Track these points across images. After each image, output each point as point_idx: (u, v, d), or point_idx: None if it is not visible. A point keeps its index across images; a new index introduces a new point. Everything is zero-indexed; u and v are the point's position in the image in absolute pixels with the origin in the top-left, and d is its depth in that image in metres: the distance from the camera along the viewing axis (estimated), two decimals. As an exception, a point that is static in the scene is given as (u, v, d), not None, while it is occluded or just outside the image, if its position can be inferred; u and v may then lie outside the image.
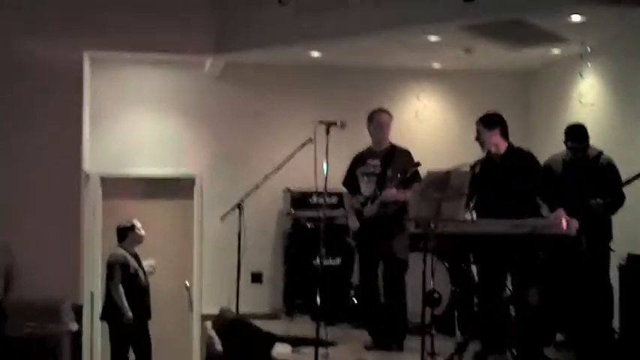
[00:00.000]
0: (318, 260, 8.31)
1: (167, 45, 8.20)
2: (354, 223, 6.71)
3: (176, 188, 9.20)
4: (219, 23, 8.24)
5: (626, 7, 6.70)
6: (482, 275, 6.31)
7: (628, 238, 6.74)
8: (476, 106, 8.50)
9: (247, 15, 8.08)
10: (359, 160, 6.82)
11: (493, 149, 6.10)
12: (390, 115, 6.81)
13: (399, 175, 6.35)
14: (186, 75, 9.03)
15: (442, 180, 4.90)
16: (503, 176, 5.94)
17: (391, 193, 6.38)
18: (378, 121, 6.74)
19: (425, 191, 5.01)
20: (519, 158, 6.09)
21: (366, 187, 6.66)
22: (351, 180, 6.84)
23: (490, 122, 6.16)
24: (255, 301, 8.48)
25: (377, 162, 6.66)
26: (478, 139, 6.22)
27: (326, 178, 5.26)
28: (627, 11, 6.82)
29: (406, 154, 6.64)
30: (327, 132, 5.25)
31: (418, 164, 6.32)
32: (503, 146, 6.11)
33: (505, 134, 6.16)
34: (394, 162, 6.56)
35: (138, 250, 8.08)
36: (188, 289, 8.99)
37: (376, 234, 6.54)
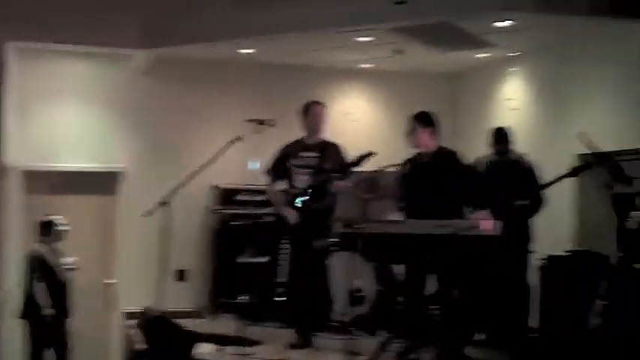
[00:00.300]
0: (244, 258, 8.34)
1: (94, 38, 8.02)
2: (292, 216, 6.55)
3: (101, 183, 9.01)
4: (148, 17, 8.09)
5: (553, 15, 6.83)
6: (407, 274, 6.35)
7: (549, 240, 6.89)
8: (405, 107, 8.55)
9: (178, 10, 7.97)
10: (290, 153, 6.70)
11: (423, 148, 6.11)
12: (325, 107, 6.77)
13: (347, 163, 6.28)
14: (114, 68, 8.88)
15: (371, 180, 4.90)
16: (432, 176, 5.96)
17: (342, 184, 6.25)
18: (314, 112, 6.67)
19: (353, 191, 5.00)
20: (448, 159, 6.12)
21: (301, 180, 6.56)
22: (278, 169, 6.71)
23: (425, 120, 6.16)
24: (180, 299, 8.39)
25: (312, 154, 6.59)
26: (409, 135, 6.20)
27: (258, 174, 5.19)
28: (554, 19, 6.97)
29: (338, 147, 6.60)
30: (257, 130, 5.19)
31: (370, 154, 6.24)
32: (433, 146, 6.12)
33: (437, 134, 6.18)
34: (329, 154, 6.52)
35: (60, 245, 7.90)
36: (110, 286, 8.85)
37: (310, 228, 6.47)
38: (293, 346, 6.51)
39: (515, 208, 6.41)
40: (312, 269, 6.60)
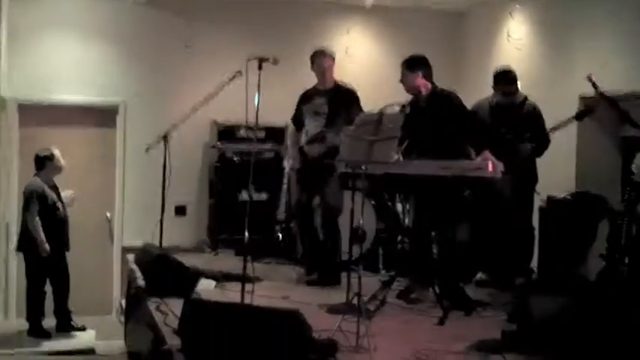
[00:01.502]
0: (244, 195, 8.33)
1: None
2: (295, 161, 6.83)
3: (99, 117, 8.92)
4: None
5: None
6: (411, 214, 6.37)
7: (548, 182, 6.87)
8: (406, 45, 8.51)
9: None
10: (305, 98, 6.85)
11: (416, 92, 6.05)
12: (332, 57, 6.82)
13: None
14: (112, 2, 8.71)
15: (375, 122, 4.84)
16: (429, 119, 5.91)
17: (338, 139, 6.29)
18: (318, 64, 6.78)
19: (357, 133, 4.94)
20: (444, 100, 6.07)
21: (312, 126, 6.69)
22: (297, 116, 6.90)
23: (413, 64, 6.09)
24: (179, 235, 8.43)
25: (323, 101, 6.70)
26: (402, 80, 6.18)
27: (257, 111, 5.13)
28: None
29: (351, 94, 6.65)
30: (260, 67, 5.11)
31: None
32: (425, 89, 6.06)
33: (429, 76, 6.10)
34: (339, 101, 6.51)
35: (57, 180, 7.86)
36: (109, 220, 8.85)
37: (314, 173, 6.63)
38: (307, 282, 6.60)
39: (521, 149, 6.37)
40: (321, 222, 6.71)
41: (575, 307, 4.43)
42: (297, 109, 6.94)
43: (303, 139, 6.79)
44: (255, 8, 8.96)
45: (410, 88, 6.08)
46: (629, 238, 5.44)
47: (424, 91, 6.02)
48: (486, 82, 6.86)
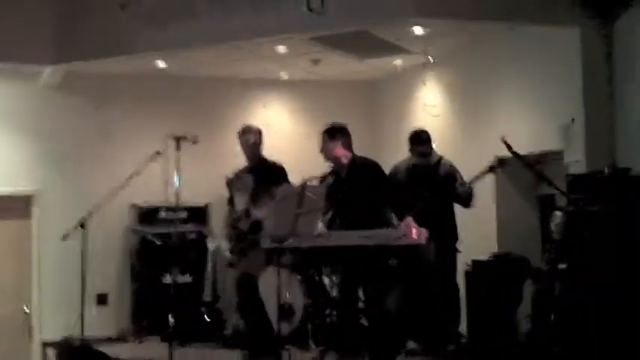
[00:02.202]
0: (167, 278, 8.14)
1: (1, 54, 7.69)
2: (225, 243, 6.83)
3: (12, 207, 8.65)
4: (57, 32, 7.79)
5: (465, 21, 6.90)
6: (339, 286, 6.32)
7: (470, 244, 6.93)
8: (325, 117, 8.54)
9: (89, 24, 7.72)
10: (236, 177, 6.86)
11: (337, 161, 6.08)
12: (257, 132, 6.84)
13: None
14: (22, 87, 8.53)
15: (297, 194, 4.82)
16: (350, 188, 5.92)
17: (261, 213, 6.32)
18: (243, 140, 6.79)
19: (280, 206, 4.91)
20: (364, 169, 6.10)
21: (240, 202, 6.68)
22: (231, 197, 6.87)
23: (333, 133, 6.12)
24: (101, 324, 8.12)
25: (249, 177, 6.69)
26: (322, 150, 6.20)
27: (177, 191, 5.06)
28: (467, 24, 7.06)
29: (278, 169, 6.63)
30: (178, 147, 5.06)
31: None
32: (345, 158, 6.08)
33: (349, 145, 6.14)
34: (265, 177, 6.47)
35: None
36: (27, 314, 8.52)
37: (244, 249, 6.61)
38: None
39: (440, 209, 6.47)
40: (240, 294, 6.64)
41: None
42: (229, 190, 6.92)
43: (232, 216, 6.76)
44: (170, 89, 8.90)
45: (330, 158, 6.08)
46: (553, 296, 5.50)
47: (344, 160, 6.03)
48: (402, 149, 6.93)
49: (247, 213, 6.55)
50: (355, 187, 5.92)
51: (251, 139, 6.77)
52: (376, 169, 6.12)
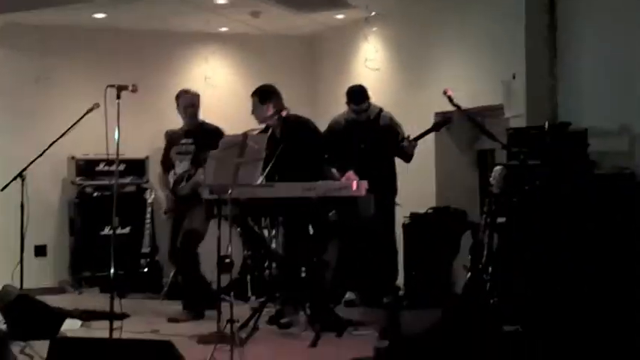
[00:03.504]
0: (106, 230, 8.11)
1: None
2: (166, 204, 7.03)
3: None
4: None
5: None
6: (278, 238, 6.40)
7: (409, 198, 7.04)
8: (265, 71, 8.61)
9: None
10: (172, 140, 6.92)
11: (268, 122, 6.14)
12: (195, 95, 6.88)
13: None
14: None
15: (239, 144, 4.83)
16: (285, 147, 5.95)
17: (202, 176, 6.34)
18: (182, 104, 6.82)
19: (221, 156, 4.92)
20: (297, 126, 6.17)
21: (180, 167, 6.71)
22: (166, 159, 6.91)
23: (264, 96, 6.23)
24: (40, 275, 8.13)
25: (190, 141, 6.72)
26: (254, 113, 6.27)
27: (117, 144, 5.02)
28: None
29: (217, 132, 6.61)
30: (118, 96, 5.01)
31: None
32: (276, 118, 6.14)
33: (280, 105, 6.20)
34: (205, 140, 6.44)
35: None
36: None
37: (183, 209, 6.67)
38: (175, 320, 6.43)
39: (380, 164, 6.54)
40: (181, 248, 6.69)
41: (443, 320, 4.54)
42: (164, 152, 6.96)
43: (172, 181, 6.78)
44: (109, 40, 8.77)
45: (262, 120, 6.17)
46: (490, 249, 5.63)
47: (276, 121, 6.10)
48: (341, 103, 6.97)
49: (188, 177, 6.57)
50: (290, 145, 5.96)
51: (188, 101, 6.80)
52: (308, 125, 6.21)
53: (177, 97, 6.88)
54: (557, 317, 4.99)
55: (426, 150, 7.17)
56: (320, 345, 5.28)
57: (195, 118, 6.84)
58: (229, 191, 4.80)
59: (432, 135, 6.90)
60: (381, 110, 6.88)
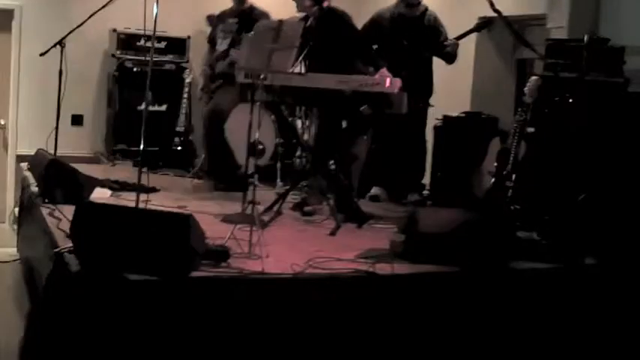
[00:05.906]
0: (142, 105, 8.21)
1: None
2: (202, 82, 7.24)
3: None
4: None
5: None
6: (310, 129, 6.47)
7: (445, 101, 7.03)
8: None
9: None
10: (220, 18, 7.04)
11: (307, 12, 6.11)
12: None
13: None
14: None
15: (274, 29, 4.83)
16: (317, 39, 5.94)
17: (237, 54, 6.37)
18: None
19: (256, 41, 4.93)
20: (335, 20, 6.14)
21: (222, 45, 6.80)
22: (212, 37, 7.05)
23: None
24: (76, 145, 8.29)
25: (235, 20, 6.80)
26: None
27: (155, 19, 5.04)
28: None
29: (265, 16, 6.61)
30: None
31: None
32: (315, 9, 6.12)
33: None
34: (251, 23, 6.42)
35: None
36: (3, 128, 8.62)
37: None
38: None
39: (418, 62, 6.51)
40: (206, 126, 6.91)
41: (460, 220, 4.60)
42: (212, 30, 7.06)
43: (212, 56, 6.96)
44: None
45: (301, 9, 6.14)
46: (516, 157, 5.67)
47: (314, 11, 6.07)
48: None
49: (227, 54, 6.62)
50: (323, 37, 5.94)
51: None
52: (343, 18, 6.18)
53: None
54: (574, 228, 5.04)
55: (466, 54, 7.11)
56: (339, 235, 5.38)
57: (245, 1, 6.91)
58: (261, 76, 4.83)
59: (472, 40, 6.84)
60: (426, 9, 6.81)
